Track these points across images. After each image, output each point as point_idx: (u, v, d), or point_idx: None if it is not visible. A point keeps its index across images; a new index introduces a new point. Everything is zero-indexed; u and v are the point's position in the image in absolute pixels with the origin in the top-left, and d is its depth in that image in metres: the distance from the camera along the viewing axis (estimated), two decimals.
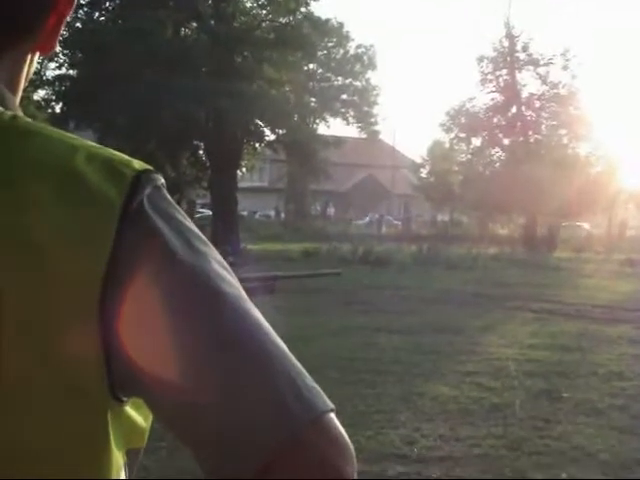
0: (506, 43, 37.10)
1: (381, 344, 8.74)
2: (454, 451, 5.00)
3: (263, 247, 24.90)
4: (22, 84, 0.79)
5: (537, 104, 37.57)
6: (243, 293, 0.69)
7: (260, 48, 23.61)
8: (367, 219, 47.95)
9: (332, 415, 0.67)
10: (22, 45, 0.75)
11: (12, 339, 0.63)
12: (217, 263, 0.69)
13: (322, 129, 43.42)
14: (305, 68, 34.41)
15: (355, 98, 46.31)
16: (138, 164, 0.70)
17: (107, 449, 0.67)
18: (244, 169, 28.01)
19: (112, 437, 0.67)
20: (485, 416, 5.87)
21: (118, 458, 0.69)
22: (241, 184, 29.59)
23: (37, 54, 0.79)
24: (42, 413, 0.64)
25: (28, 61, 0.78)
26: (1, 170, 0.65)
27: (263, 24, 24.93)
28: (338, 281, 15.04)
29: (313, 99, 41.43)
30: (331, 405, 0.67)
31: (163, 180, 0.71)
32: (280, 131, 25.84)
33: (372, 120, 47.20)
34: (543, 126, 37.87)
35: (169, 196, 0.71)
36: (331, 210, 50.78)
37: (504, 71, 37.48)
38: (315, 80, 43.30)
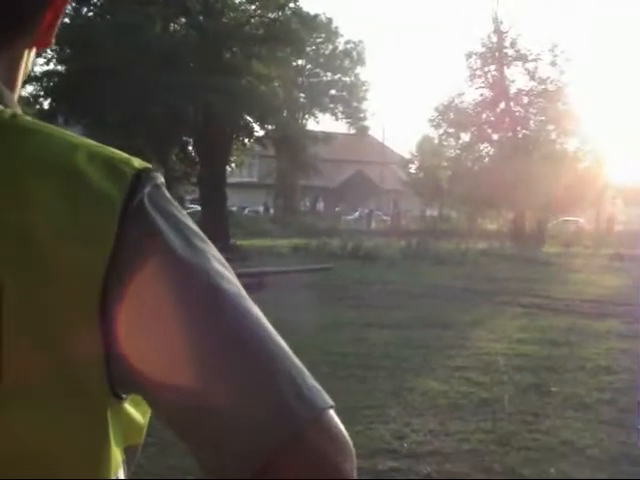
0: (494, 39, 37.15)
1: (371, 339, 8.76)
2: (444, 446, 5.02)
3: (252, 243, 24.85)
4: (20, 81, 0.78)
5: (525, 100, 37.62)
6: (242, 291, 0.69)
7: (249, 44, 23.55)
8: (356, 214, 47.89)
9: (332, 412, 0.67)
10: (20, 42, 0.75)
11: (13, 337, 0.62)
12: (216, 261, 0.69)
13: (311, 125, 43.66)
14: (294, 64, 34.32)
15: (344, 94, 46.37)
16: (138, 162, 0.70)
17: (107, 447, 0.67)
18: (233, 165, 27.93)
19: (111, 435, 0.67)
20: (474, 411, 5.90)
21: (117, 456, 0.69)
22: (230, 180, 29.55)
23: (34, 50, 0.78)
24: (42, 411, 0.64)
25: (25, 57, 0.77)
26: (2, 168, 0.65)
27: (252, 20, 24.87)
28: (328, 276, 15.04)
29: (302, 95, 41.49)
30: (331, 402, 0.67)
31: (163, 179, 0.71)
32: (269, 127, 25.80)
33: (361, 116, 47.29)
34: (531, 121, 37.91)
35: (168, 194, 0.71)
36: (320, 206, 50.71)
37: (492, 67, 37.52)
38: (304, 76, 43.28)
